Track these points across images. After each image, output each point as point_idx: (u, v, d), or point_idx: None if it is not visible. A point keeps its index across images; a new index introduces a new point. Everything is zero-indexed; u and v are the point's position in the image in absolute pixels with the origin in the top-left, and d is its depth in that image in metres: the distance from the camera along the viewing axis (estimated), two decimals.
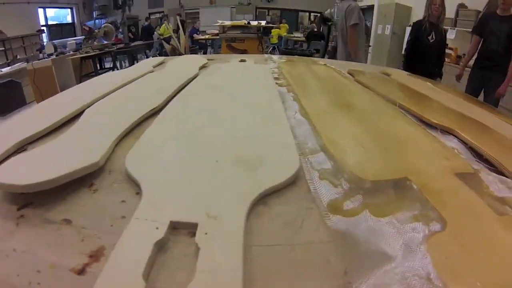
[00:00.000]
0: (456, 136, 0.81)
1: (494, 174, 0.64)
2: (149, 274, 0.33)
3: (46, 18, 10.43)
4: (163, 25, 7.70)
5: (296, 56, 2.70)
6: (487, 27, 2.67)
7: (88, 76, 4.76)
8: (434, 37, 2.67)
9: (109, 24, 5.93)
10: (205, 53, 8.34)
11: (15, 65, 4.69)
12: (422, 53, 2.74)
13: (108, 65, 6.11)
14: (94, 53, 5.17)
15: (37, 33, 9.18)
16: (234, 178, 0.51)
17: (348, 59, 2.92)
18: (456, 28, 5.00)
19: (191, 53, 5.82)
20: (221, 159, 0.56)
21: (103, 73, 3.30)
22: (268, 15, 12.83)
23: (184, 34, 6.61)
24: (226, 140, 0.64)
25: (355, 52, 2.95)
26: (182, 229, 0.39)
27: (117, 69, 5.32)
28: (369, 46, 6.09)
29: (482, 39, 2.76)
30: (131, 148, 0.60)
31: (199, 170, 0.52)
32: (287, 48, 7.40)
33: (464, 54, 5.06)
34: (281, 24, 10.10)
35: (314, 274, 0.38)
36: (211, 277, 0.31)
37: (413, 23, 2.94)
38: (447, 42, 3.16)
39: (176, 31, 6.52)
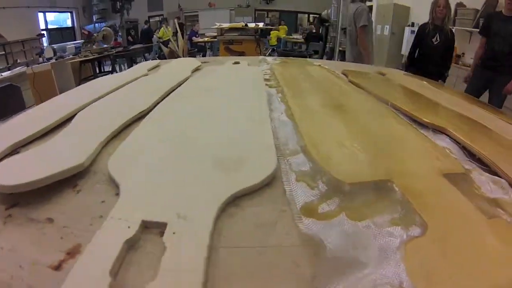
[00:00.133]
0: (448, 136, 0.80)
1: (487, 174, 0.63)
2: (118, 271, 0.34)
3: (46, 22, 10.48)
4: (162, 28, 7.75)
5: (292, 58, 2.72)
6: (493, 27, 2.63)
7: (88, 79, 4.79)
8: (438, 39, 2.65)
9: (107, 28, 5.96)
10: (204, 55, 8.37)
11: (15, 69, 4.72)
12: (426, 55, 2.73)
13: (107, 68, 6.15)
14: (93, 57, 5.21)
15: (37, 37, 9.22)
16: (209, 179, 0.51)
17: (357, 61, 2.94)
18: (454, 27, 5.02)
19: (189, 56, 5.86)
20: (199, 161, 0.57)
21: (102, 76, 3.33)
22: (267, 17, 12.85)
23: (183, 37, 6.64)
24: (207, 142, 0.65)
25: (367, 53, 2.95)
26: (153, 228, 0.40)
27: (116, 73, 5.34)
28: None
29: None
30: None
31: (177, 172, 0.54)
32: (285, 50, 7.43)
33: (463, 53, 5.10)
34: (280, 26, 10.12)
35: (282, 278, 0.37)
36: (172, 276, 0.32)
37: (419, 26, 2.92)
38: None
39: (175, 34, 6.55)
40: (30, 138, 0.73)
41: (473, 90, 2.69)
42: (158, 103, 0.90)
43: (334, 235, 0.44)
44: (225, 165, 0.56)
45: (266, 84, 1.20)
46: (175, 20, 6.44)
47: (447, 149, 0.73)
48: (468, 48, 4.89)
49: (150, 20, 11.31)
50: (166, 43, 6.65)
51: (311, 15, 12.28)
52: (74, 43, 6.92)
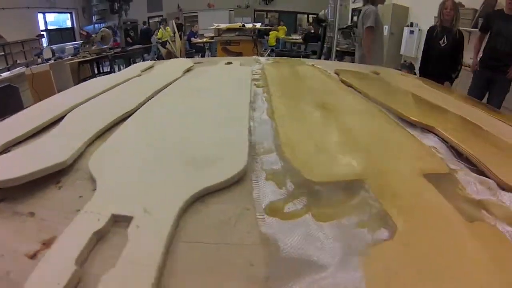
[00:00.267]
0: (437, 135, 0.79)
1: (475, 175, 0.61)
2: (85, 260, 0.37)
3: (45, 23, 10.53)
4: (160, 29, 7.79)
5: (285, 57, 2.74)
6: (494, 26, 2.62)
7: (86, 80, 4.82)
8: (445, 41, 2.64)
9: (106, 29, 6.00)
10: (203, 56, 8.40)
11: (14, 70, 4.76)
12: (434, 57, 2.72)
13: (106, 69, 6.19)
14: (91, 58, 5.25)
15: (37, 38, 9.27)
16: (177, 176, 0.53)
17: (362, 61, 2.96)
18: None
19: (187, 57, 5.89)
20: (171, 159, 0.59)
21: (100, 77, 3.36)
22: (267, 17, 12.88)
23: (182, 38, 6.69)
24: (182, 141, 0.68)
25: (370, 54, 2.98)
26: (121, 222, 0.42)
27: (114, 73, 5.38)
28: (353, 48, 6.14)
29: (488, 37, 2.71)
30: None
31: (149, 169, 0.56)
32: (283, 50, 7.46)
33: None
34: (279, 27, 10.15)
35: (235, 276, 0.37)
36: (128, 268, 0.34)
37: (427, 29, 2.92)
38: None
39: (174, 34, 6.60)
40: (20, 138, 0.75)
41: (476, 91, 2.69)
42: (144, 103, 0.93)
43: (295, 236, 0.43)
44: (195, 163, 0.57)
45: (255, 84, 1.22)
46: (173, 21, 6.48)
47: (434, 149, 0.72)
48: (467, 48, 4.91)
49: (150, 21, 11.36)
50: (164, 44, 6.69)
51: (310, 16, 12.31)
52: (73, 44, 6.96)
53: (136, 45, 7.79)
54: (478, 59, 2.81)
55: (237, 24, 6.00)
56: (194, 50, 8.37)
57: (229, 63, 1.69)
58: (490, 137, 0.80)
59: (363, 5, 3.14)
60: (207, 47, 9.34)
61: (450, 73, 2.74)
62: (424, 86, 1.44)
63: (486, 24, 2.75)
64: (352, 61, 4.58)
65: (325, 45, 5.45)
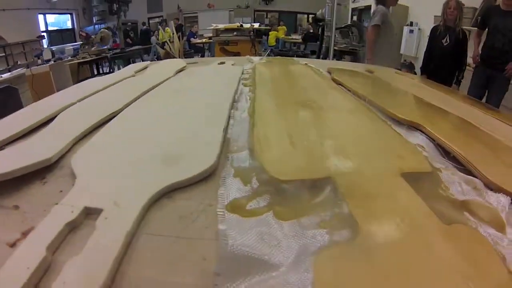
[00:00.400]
0: (424, 133, 0.78)
1: (461, 174, 0.59)
2: (57, 248, 0.40)
3: (46, 24, 10.59)
4: (160, 30, 7.84)
5: (279, 57, 2.76)
6: (491, 23, 2.59)
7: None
8: (448, 40, 2.62)
9: (105, 30, 6.05)
10: (202, 56, 8.44)
11: (14, 71, 4.80)
12: (437, 57, 2.71)
13: (106, 70, 6.23)
14: (90, 59, 5.29)
15: (37, 39, 9.32)
16: (148, 172, 0.56)
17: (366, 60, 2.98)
18: None
19: (185, 57, 5.93)
20: (146, 156, 0.62)
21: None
22: (267, 17, 12.90)
23: (182, 38, 6.72)
24: (159, 139, 0.71)
25: (370, 52, 2.98)
26: (94, 214, 0.45)
27: None
28: (363, 46, 6.15)
29: (486, 35, 2.68)
30: None
31: (124, 166, 0.59)
32: (281, 50, 7.47)
33: None
34: (279, 27, 10.16)
35: (187, 269, 0.39)
36: (90, 256, 0.37)
37: (431, 29, 2.90)
38: None
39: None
40: (14, 137, 0.79)
41: (475, 90, 2.66)
42: (131, 103, 0.96)
43: (250, 233, 0.42)
44: (166, 160, 0.60)
45: (243, 83, 1.24)
46: (172, 22, 6.52)
47: (420, 147, 0.70)
48: (468, 47, 4.90)
49: (150, 22, 11.40)
50: (161, 45, 6.73)
51: (310, 16, 12.31)
52: (73, 45, 7.01)
53: (136, 46, 7.84)
54: (478, 57, 2.80)
55: (235, 25, 6.03)
56: (192, 50, 8.40)
57: (222, 63, 1.72)
58: (483, 136, 0.78)
59: (376, 5, 3.16)
60: (206, 48, 9.38)
61: (455, 74, 2.72)
62: (418, 85, 1.44)
63: (483, 20, 2.74)
64: (353, 60, 4.59)
65: (323, 45, 5.46)
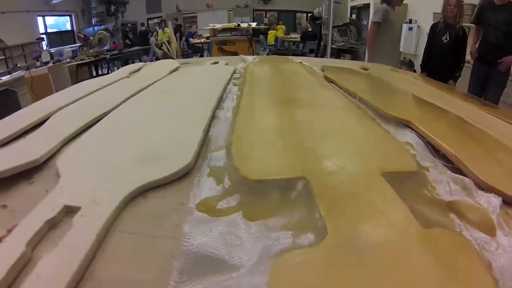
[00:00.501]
0: (414, 130, 0.76)
1: (450, 172, 0.57)
2: (36, 244, 0.42)
3: (45, 26, 10.63)
4: (159, 31, 7.86)
5: (273, 56, 2.77)
6: (485, 18, 2.59)
7: None
8: (448, 37, 2.62)
9: (103, 31, 6.08)
10: (201, 56, 8.45)
11: (14, 74, 4.83)
12: (436, 54, 2.71)
13: (104, 71, 6.26)
14: (89, 60, 5.31)
15: (36, 41, 9.34)
16: (126, 172, 0.58)
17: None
18: None
19: (183, 57, 5.95)
20: (126, 156, 0.64)
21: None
22: (266, 17, 12.89)
23: (181, 39, 6.75)
24: (140, 139, 0.72)
25: (370, 49, 2.98)
26: (73, 212, 0.47)
27: None
28: (362, 44, 6.16)
29: (482, 31, 2.69)
30: None
31: (105, 165, 0.61)
32: (279, 49, 7.49)
33: None
34: (278, 26, 10.16)
35: (154, 266, 0.40)
36: (63, 252, 0.39)
37: (431, 26, 2.91)
38: None
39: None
40: (8, 139, 0.81)
41: (474, 87, 2.66)
42: (121, 104, 0.98)
43: (214, 233, 0.42)
44: (143, 160, 0.62)
45: (233, 82, 1.25)
46: (170, 22, 6.54)
47: (409, 145, 0.68)
48: (467, 44, 4.89)
49: (149, 22, 11.41)
50: (159, 46, 6.76)
51: (309, 14, 12.29)
52: (71, 47, 7.03)
53: (134, 47, 7.86)
54: (475, 53, 2.81)
55: (232, 24, 6.05)
56: (190, 51, 8.41)
57: (215, 63, 1.73)
58: (477, 133, 0.76)
59: (381, 4, 3.17)
60: (205, 48, 9.38)
61: (453, 71, 2.72)
62: (413, 81, 1.43)
63: (477, 16, 2.74)
64: (353, 59, 4.59)
65: (321, 43, 5.47)
